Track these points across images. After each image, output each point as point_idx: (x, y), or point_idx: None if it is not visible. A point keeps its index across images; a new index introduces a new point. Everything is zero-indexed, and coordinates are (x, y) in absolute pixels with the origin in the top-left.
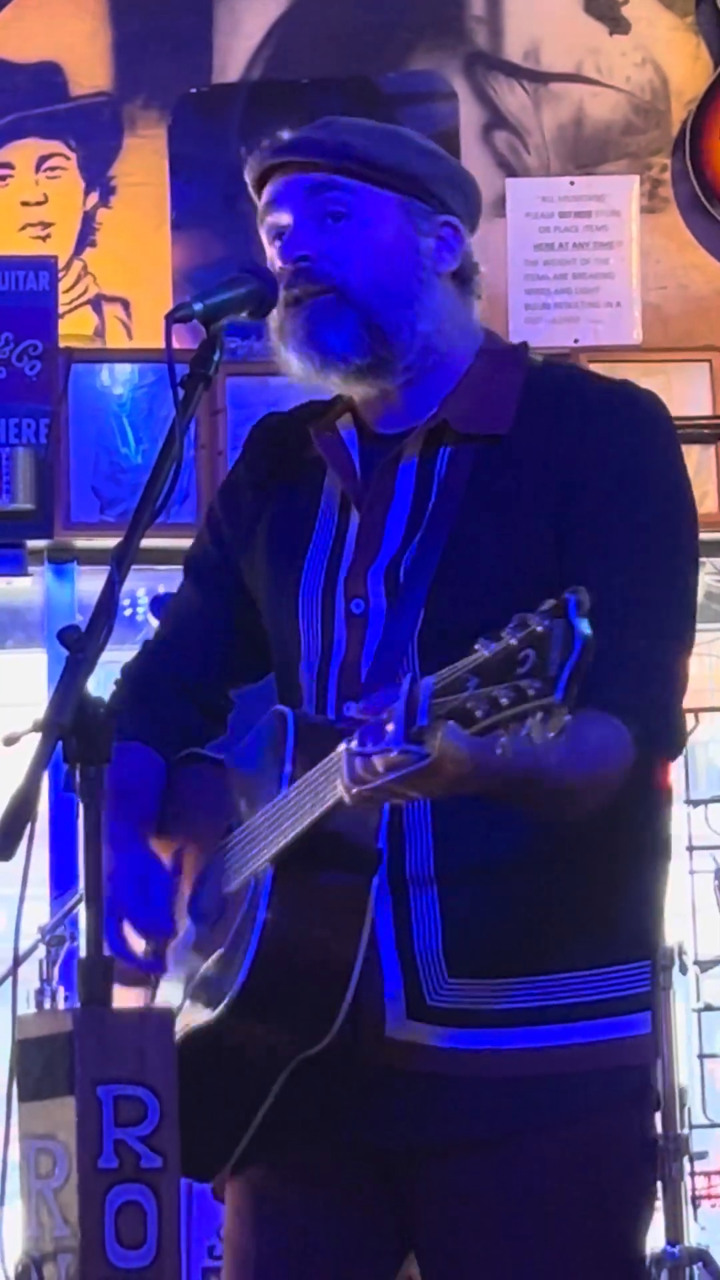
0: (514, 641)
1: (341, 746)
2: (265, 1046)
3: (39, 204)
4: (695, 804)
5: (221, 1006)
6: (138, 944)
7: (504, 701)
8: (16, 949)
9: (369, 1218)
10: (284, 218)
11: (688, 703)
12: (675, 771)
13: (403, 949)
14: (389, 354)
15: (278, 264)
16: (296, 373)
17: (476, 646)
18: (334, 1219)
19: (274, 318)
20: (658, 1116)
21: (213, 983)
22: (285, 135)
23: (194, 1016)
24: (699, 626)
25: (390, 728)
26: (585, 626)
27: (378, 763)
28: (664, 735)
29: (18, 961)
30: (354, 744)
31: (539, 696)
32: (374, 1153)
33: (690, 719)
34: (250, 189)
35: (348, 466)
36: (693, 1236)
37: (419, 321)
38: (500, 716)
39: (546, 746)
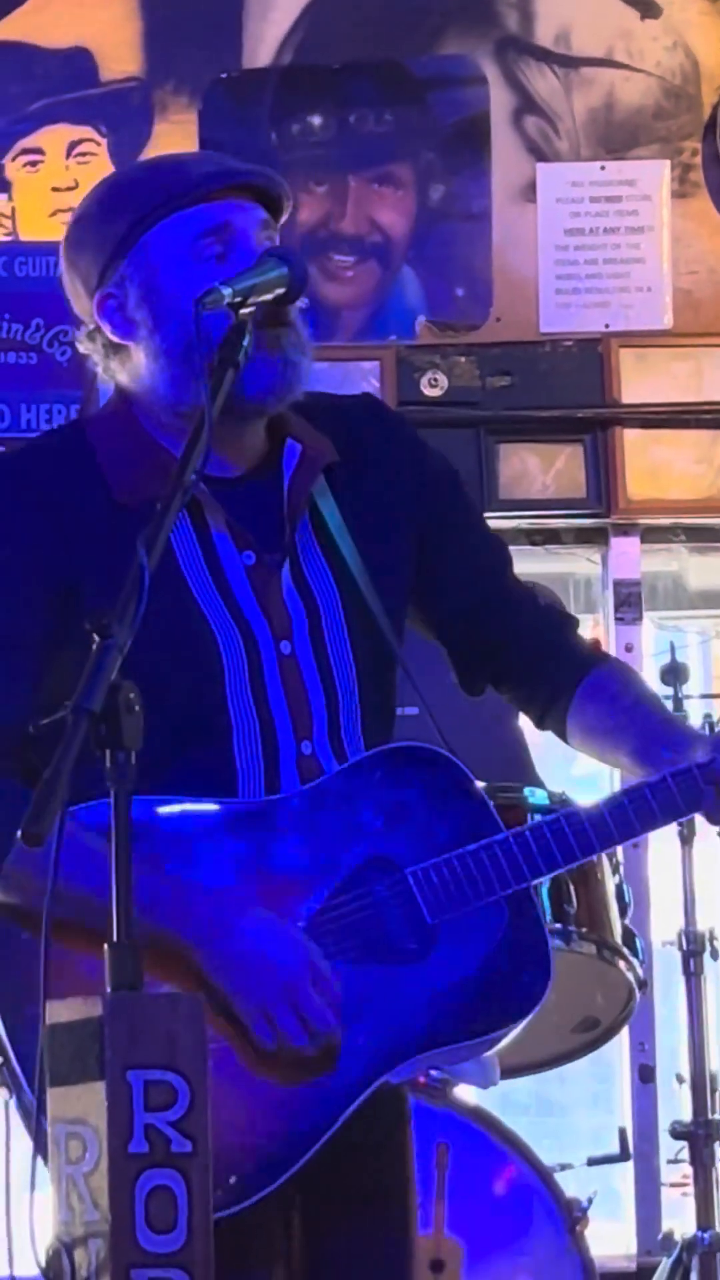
0: None
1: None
2: None
3: (70, 189)
4: None
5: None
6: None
7: None
8: (46, 931)
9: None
10: (240, 238)
11: (718, 688)
12: None
13: None
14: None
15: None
16: (248, 386)
17: None
18: None
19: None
20: (689, 1101)
21: (475, 1000)
22: (221, 161)
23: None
24: None
25: None
26: None
27: None
28: None
29: (47, 942)
30: None
31: None
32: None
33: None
34: (174, 202)
35: (214, 506)
36: None
37: None
38: None
39: None
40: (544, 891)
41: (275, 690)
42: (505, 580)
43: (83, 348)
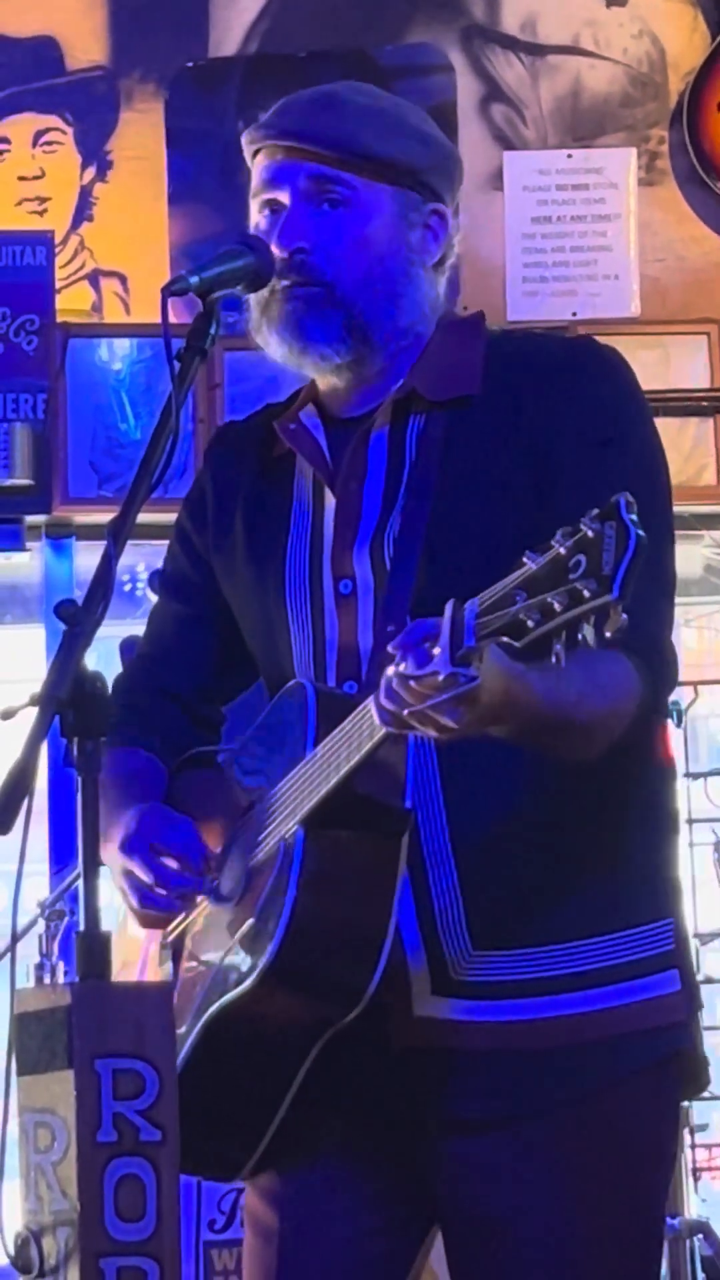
0: (563, 550)
1: (381, 685)
2: (297, 1018)
3: (36, 178)
4: (694, 777)
5: (254, 976)
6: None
7: (557, 607)
8: (15, 924)
9: (393, 1196)
10: (281, 196)
11: (687, 676)
12: (674, 746)
13: (425, 924)
14: (368, 350)
15: (270, 239)
16: (275, 354)
17: (524, 560)
18: (358, 1198)
19: (257, 296)
20: None
21: (243, 956)
22: (286, 109)
23: (223, 993)
24: (697, 600)
25: (436, 651)
26: (638, 526)
27: (420, 686)
28: (664, 673)
29: (16, 937)
30: (401, 667)
31: (594, 597)
32: (400, 1130)
33: (689, 691)
34: (246, 154)
35: (316, 451)
36: (693, 1209)
37: (401, 316)
38: (556, 623)
39: (569, 677)
40: None
41: (331, 633)
42: None
43: None
